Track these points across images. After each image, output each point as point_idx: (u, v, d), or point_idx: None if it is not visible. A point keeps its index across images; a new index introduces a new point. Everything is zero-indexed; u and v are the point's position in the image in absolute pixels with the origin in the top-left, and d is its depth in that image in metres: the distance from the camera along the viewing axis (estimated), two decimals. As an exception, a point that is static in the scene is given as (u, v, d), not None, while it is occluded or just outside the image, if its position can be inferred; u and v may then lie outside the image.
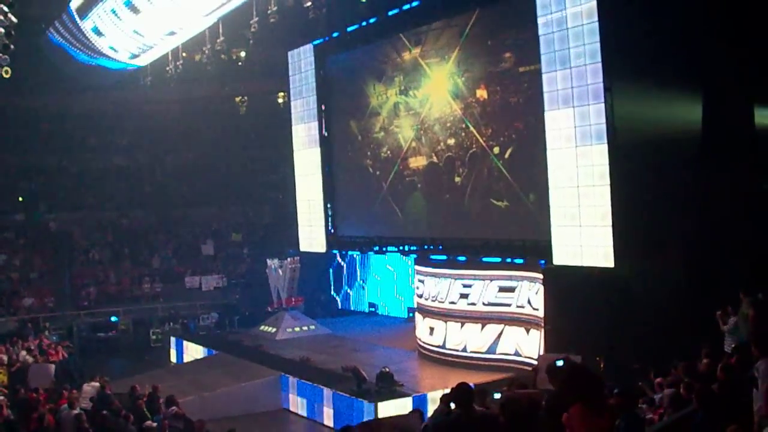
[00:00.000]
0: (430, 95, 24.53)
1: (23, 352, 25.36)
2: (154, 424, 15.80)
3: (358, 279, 33.85)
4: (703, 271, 17.25)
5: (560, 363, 9.87)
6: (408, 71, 25.33)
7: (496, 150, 22.15)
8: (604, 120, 17.92)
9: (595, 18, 17.93)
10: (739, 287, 14.28)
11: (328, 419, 20.93)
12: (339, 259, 33.98)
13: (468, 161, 23.14)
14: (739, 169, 17.39)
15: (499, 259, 22.01)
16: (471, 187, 23.01)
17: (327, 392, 21.03)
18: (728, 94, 17.89)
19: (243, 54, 26.10)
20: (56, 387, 20.60)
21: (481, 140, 22.63)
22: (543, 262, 20.46)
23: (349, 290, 34.43)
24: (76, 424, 15.95)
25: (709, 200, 17.66)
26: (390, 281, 32.04)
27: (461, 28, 23.04)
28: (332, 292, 34.82)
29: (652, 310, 17.59)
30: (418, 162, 25.31)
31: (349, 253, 32.22)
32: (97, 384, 19.38)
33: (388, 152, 26.43)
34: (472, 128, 22.85)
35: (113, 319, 33.80)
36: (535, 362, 19.68)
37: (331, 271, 34.69)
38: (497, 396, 9.80)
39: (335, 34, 28.20)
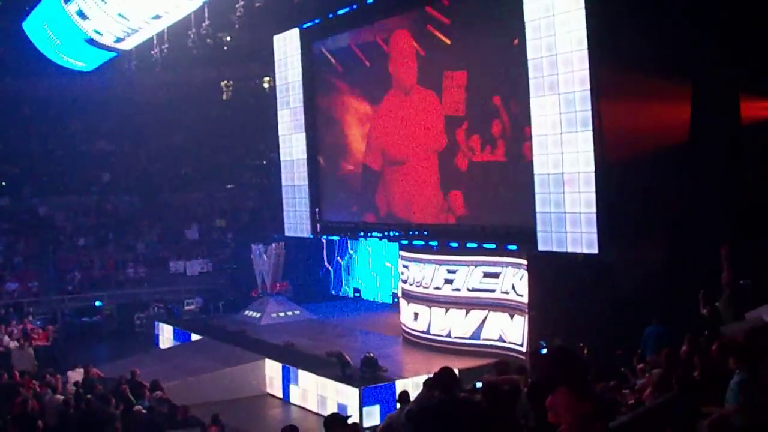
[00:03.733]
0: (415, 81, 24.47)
1: (6, 337, 25.29)
2: (144, 410, 15.79)
3: (343, 263, 33.96)
4: (687, 258, 17.32)
5: (543, 351, 9.91)
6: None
7: (481, 135, 22.14)
8: (589, 107, 17.94)
9: (582, 5, 17.94)
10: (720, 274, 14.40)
11: (312, 404, 20.98)
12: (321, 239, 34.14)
13: (453, 147, 23.12)
14: (725, 158, 17.47)
15: (484, 245, 22.06)
16: (456, 172, 22.99)
17: (311, 377, 21.08)
18: (716, 85, 17.93)
19: (228, 38, 25.95)
20: (40, 372, 20.53)
21: (464, 126, 22.62)
22: (516, 247, 20.57)
23: (330, 268, 34.60)
24: (60, 409, 15.94)
25: (694, 188, 17.75)
26: (372, 266, 32.18)
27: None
28: (318, 277, 34.96)
29: (636, 297, 17.67)
30: (403, 148, 25.26)
31: (331, 238, 32.25)
32: (81, 369, 19.37)
33: (373, 137, 26.38)
34: (455, 114, 22.81)
35: (97, 303, 33.76)
36: (521, 348, 19.81)
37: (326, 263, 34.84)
38: (479, 385, 9.84)
39: (321, 19, 28.08)
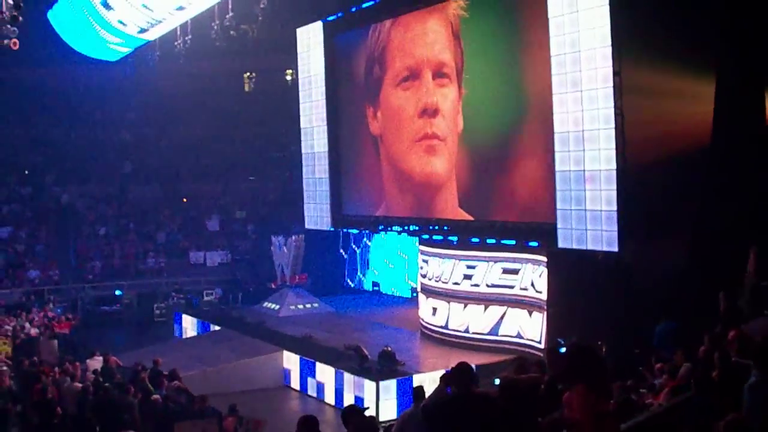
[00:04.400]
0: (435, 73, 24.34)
1: (27, 324, 25.46)
2: (160, 399, 15.85)
3: (359, 251, 34.01)
4: (708, 256, 17.20)
5: (563, 350, 9.87)
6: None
7: (506, 129, 22.05)
8: (612, 104, 17.85)
9: (607, 1, 17.84)
10: (743, 273, 14.29)
11: (330, 397, 21.03)
12: (345, 238, 34.21)
13: (475, 141, 23.05)
14: (748, 157, 17.32)
15: (504, 241, 22.01)
16: (478, 167, 22.92)
17: (329, 370, 21.12)
18: (741, 82, 17.76)
19: (253, 31, 25.98)
20: (60, 360, 20.66)
21: (490, 120, 22.54)
22: (538, 244, 20.51)
23: (345, 255, 34.72)
24: (79, 397, 16.04)
25: (716, 187, 17.61)
26: (387, 256, 32.22)
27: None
28: (337, 269, 35.04)
29: (655, 295, 17.58)
30: (426, 142, 25.17)
31: (351, 231, 32.27)
32: (100, 358, 19.47)
33: (395, 131, 26.29)
34: (481, 108, 22.70)
35: (117, 292, 33.96)
36: (539, 344, 19.78)
37: (342, 251, 34.87)
38: (497, 381, 9.82)
39: (343, 13, 28.05)
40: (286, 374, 22.92)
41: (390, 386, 19.33)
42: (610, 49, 17.83)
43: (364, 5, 26.75)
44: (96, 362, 19.35)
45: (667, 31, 17.30)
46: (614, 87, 17.84)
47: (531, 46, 20.57)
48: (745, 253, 14.65)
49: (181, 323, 30.51)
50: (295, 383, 22.60)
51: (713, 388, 8.47)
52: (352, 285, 34.63)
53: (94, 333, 28.39)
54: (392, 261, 32.26)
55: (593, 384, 5.84)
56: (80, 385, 16.56)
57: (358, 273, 34.41)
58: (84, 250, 36.68)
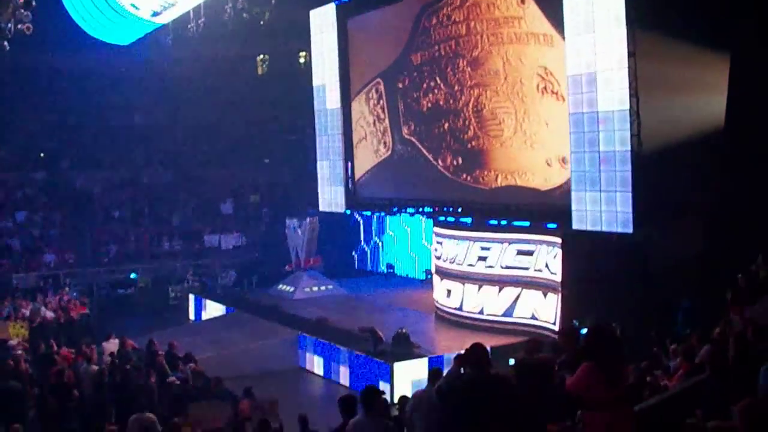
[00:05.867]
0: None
1: (43, 308, 25.59)
2: (177, 381, 15.93)
3: (381, 241, 34.03)
4: (722, 239, 17.16)
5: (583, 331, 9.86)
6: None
7: (521, 112, 21.98)
8: (627, 85, 17.78)
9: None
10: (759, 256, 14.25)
11: (344, 378, 21.09)
12: (357, 217, 34.13)
13: (490, 123, 23.02)
14: (763, 140, 17.22)
15: (518, 222, 22.00)
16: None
17: (344, 352, 21.18)
18: (756, 64, 17.64)
19: (265, 13, 25.92)
20: (76, 342, 20.76)
21: (505, 103, 22.48)
22: (555, 225, 20.47)
23: (366, 248, 34.66)
24: (96, 380, 16.13)
25: (731, 169, 17.53)
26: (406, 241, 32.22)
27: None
28: (352, 253, 35.08)
29: (670, 277, 17.55)
30: (439, 123, 25.17)
31: (365, 213, 32.23)
32: (116, 341, 19.56)
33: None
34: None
35: (132, 276, 34.07)
36: (554, 326, 19.78)
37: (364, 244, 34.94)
38: (512, 362, 9.81)
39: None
40: (302, 357, 22.99)
41: (405, 368, 19.35)
42: (625, 30, 17.75)
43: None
44: (112, 345, 19.45)
45: (683, 12, 17.19)
46: (629, 68, 17.77)
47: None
48: (762, 235, 14.62)
49: (197, 306, 30.58)
50: (310, 366, 22.66)
51: (728, 370, 8.44)
52: (367, 268, 34.61)
53: (109, 316, 28.50)
54: (415, 251, 32.15)
55: (607, 365, 5.84)
56: (96, 367, 16.64)
57: (377, 258, 34.38)
58: (99, 234, 36.76)
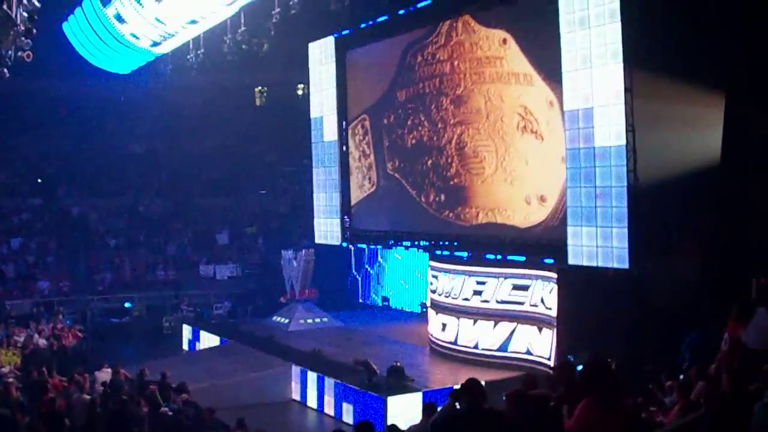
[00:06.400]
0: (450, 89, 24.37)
1: (36, 335, 25.50)
2: (170, 412, 15.84)
3: (373, 272, 33.99)
4: (719, 274, 17.14)
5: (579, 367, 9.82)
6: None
7: (501, 150, 22.09)
8: (623, 121, 17.83)
9: (618, 18, 17.85)
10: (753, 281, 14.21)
11: (338, 411, 20.95)
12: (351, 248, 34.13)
13: (471, 161, 23.12)
14: (759, 172, 17.26)
15: (513, 257, 21.98)
16: (487, 183, 22.91)
17: (337, 384, 21.06)
18: (751, 98, 17.72)
19: (265, 46, 26.03)
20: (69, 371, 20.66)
21: (486, 141, 22.59)
22: (552, 261, 20.46)
23: (358, 278, 34.66)
24: (88, 409, 16.03)
25: (727, 204, 17.55)
26: (403, 276, 32.18)
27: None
28: (346, 284, 35.01)
29: (666, 312, 17.52)
30: (422, 160, 25.30)
31: (360, 246, 32.23)
32: (109, 370, 19.47)
33: (405, 147, 26.33)
34: (489, 125, 22.70)
35: (127, 305, 33.97)
36: (549, 361, 19.68)
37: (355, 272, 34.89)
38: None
39: (353, 29, 28.13)
40: (295, 388, 22.85)
41: (399, 401, 19.24)
42: (621, 66, 17.84)
43: (378, 20, 26.80)
44: (105, 374, 19.35)
45: (678, 48, 17.29)
46: (626, 104, 17.84)
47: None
48: (758, 268, 14.58)
49: (191, 336, 30.46)
50: (303, 398, 22.53)
51: (724, 406, 8.40)
52: (362, 300, 34.56)
53: (103, 345, 28.39)
54: (408, 281, 32.16)
55: (604, 398, 5.81)
56: (89, 396, 16.55)
57: (371, 291, 34.35)
58: (94, 262, 36.71)
